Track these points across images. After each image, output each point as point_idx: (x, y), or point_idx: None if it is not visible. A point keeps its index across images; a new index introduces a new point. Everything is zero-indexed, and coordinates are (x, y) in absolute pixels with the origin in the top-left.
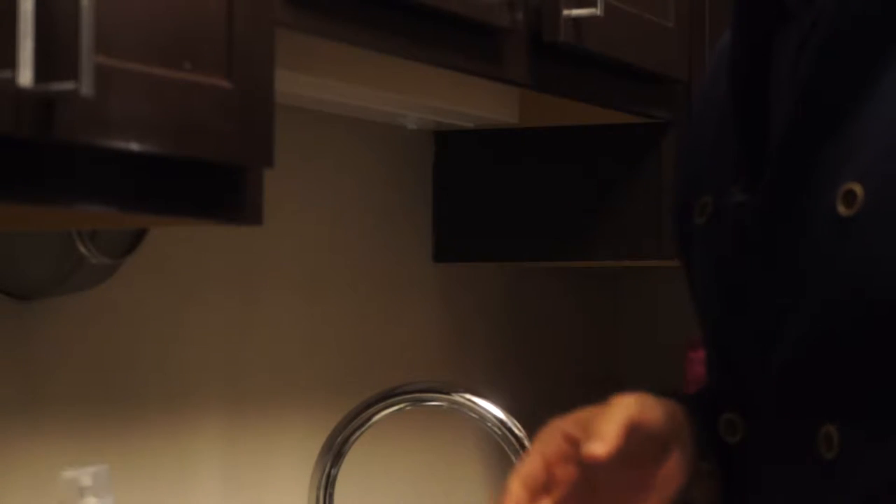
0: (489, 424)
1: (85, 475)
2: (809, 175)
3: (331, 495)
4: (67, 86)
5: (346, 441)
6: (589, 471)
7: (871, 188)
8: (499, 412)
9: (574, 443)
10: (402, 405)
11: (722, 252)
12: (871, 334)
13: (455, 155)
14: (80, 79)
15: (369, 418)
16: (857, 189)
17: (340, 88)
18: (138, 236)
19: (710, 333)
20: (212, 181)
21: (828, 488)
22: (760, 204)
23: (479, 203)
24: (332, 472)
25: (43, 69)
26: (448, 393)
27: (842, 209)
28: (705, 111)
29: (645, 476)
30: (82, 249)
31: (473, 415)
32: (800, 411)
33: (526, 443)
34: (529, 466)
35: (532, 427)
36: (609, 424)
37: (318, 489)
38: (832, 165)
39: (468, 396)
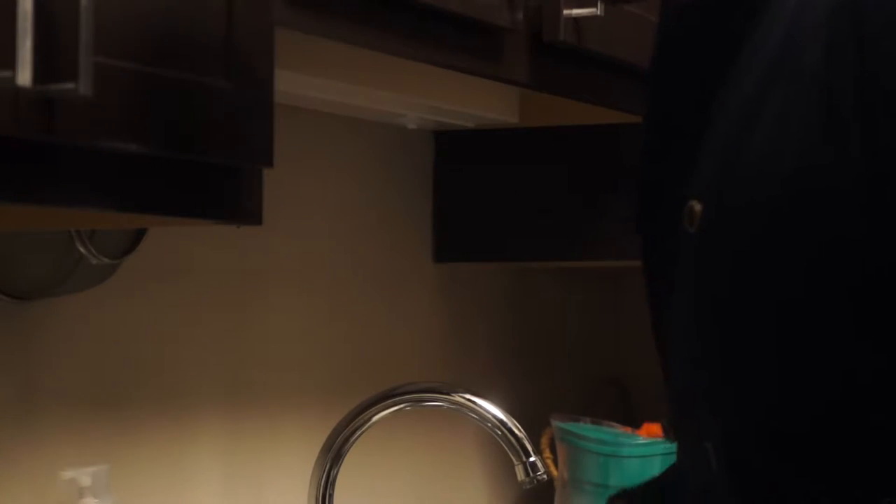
0: (489, 424)
1: (84, 475)
2: (664, 193)
3: (331, 495)
4: (67, 86)
5: (346, 441)
6: None
7: (709, 205)
8: (499, 412)
9: None
10: (402, 405)
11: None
12: (730, 357)
13: (455, 155)
14: (79, 79)
15: (369, 418)
16: (697, 206)
17: (340, 88)
18: (138, 236)
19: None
20: (212, 181)
21: None
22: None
23: (479, 203)
24: (332, 472)
25: (42, 69)
26: (448, 393)
27: (686, 226)
28: None
29: None
30: (82, 249)
31: (473, 415)
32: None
33: (526, 443)
34: None
35: (532, 427)
36: None
37: (318, 489)
38: (680, 182)
39: (468, 396)
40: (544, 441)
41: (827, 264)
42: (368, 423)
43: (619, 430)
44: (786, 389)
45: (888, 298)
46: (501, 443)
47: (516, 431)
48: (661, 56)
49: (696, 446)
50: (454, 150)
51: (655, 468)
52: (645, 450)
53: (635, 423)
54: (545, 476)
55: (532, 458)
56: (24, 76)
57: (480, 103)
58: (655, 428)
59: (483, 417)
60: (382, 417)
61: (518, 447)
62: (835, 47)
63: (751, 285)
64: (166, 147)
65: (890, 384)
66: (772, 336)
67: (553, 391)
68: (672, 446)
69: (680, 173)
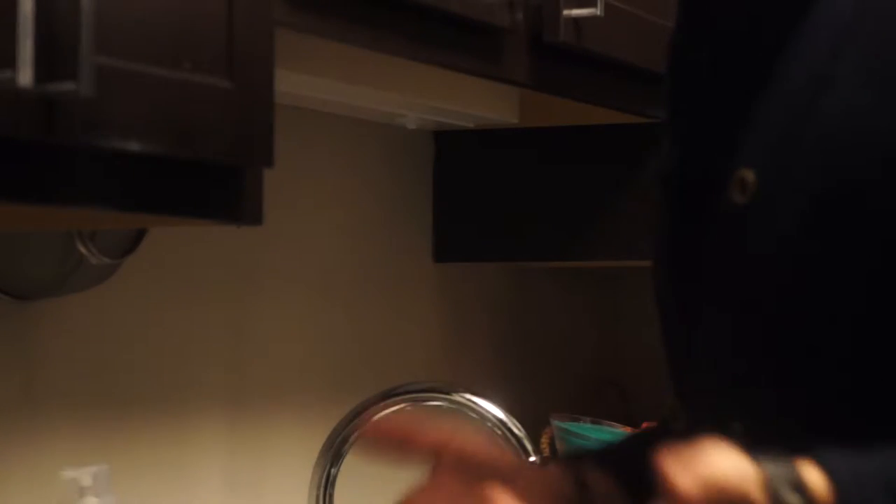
0: (489, 424)
1: (85, 475)
2: (709, 161)
3: (331, 495)
4: (67, 86)
5: (346, 441)
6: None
7: (763, 175)
8: (499, 412)
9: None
10: (402, 405)
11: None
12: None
13: (455, 155)
14: (79, 79)
15: (369, 418)
16: (749, 175)
17: (340, 88)
18: (138, 236)
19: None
20: (212, 181)
21: None
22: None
23: (479, 203)
24: (332, 472)
25: (43, 69)
26: (448, 393)
27: (736, 197)
28: None
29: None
30: (82, 249)
31: (473, 415)
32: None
33: (526, 443)
34: None
35: (532, 427)
36: None
37: (318, 489)
38: (730, 150)
39: (468, 396)
40: (544, 441)
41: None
42: (368, 424)
43: (619, 430)
44: (858, 362)
45: None
46: (501, 443)
47: (516, 431)
48: (715, 22)
49: (720, 426)
50: (454, 150)
51: None
52: None
53: (635, 423)
54: None
55: (532, 458)
56: (25, 76)
57: (480, 103)
58: None
59: (483, 417)
60: (382, 417)
61: (518, 447)
62: None
63: (822, 254)
64: (166, 147)
65: None
66: (851, 304)
67: (553, 391)
68: None
69: (725, 145)
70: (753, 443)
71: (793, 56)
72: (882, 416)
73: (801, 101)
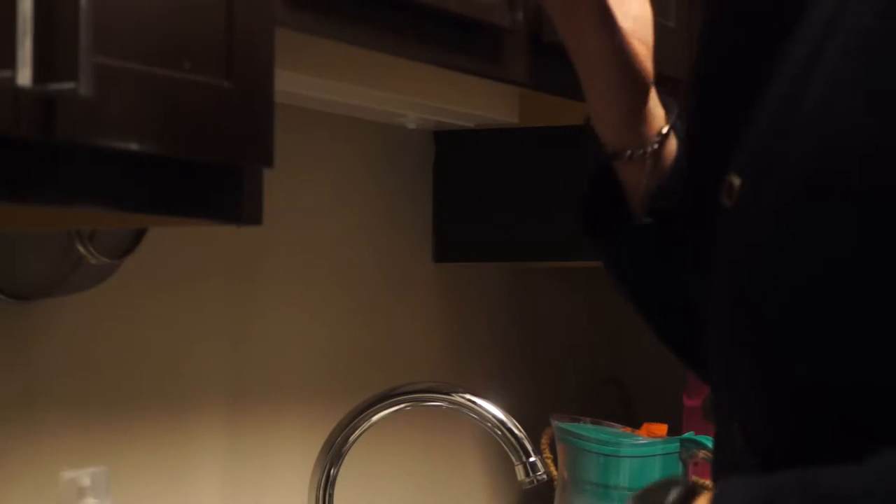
0: (489, 424)
1: (84, 476)
2: (705, 166)
3: (331, 495)
4: (67, 86)
5: (346, 441)
6: None
7: (748, 179)
8: (499, 412)
9: None
10: (402, 405)
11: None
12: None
13: (455, 155)
14: (79, 79)
15: (369, 418)
16: (736, 181)
17: (340, 88)
18: (138, 236)
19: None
20: (212, 181)
21: None
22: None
23: (479, 203)
24: (332, 472)
25: (42, 69)
26: (448, 393)
27: (725, 200)
28: None
29: None
30: (82, 249)
31: (473, 415)
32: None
33: (526, 443)
34: None
35: (532, 427)
36: None
37: (318, 489)
38: (722, 155)
39: (468, 396)
40: (544, 441)
41: (876, 230)
42: (368, 423)
43: (619, 430)
44: (826, 357)
45: None
46: (501, 443)
47: (516, 431)
48: (713, 28)
49: (726, 427)
50: (454, 150)
51: (655, 468)
52: (645, 450)
53: (635, 423)
54: (545, 476)
55: (532, 458)
56: (24, 76)
57: (480, 103)
58: (655, 428)
59: (483, 417)
60: (382, 417)
61: (518, 447)
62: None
63: (790, 255)
64: (166, 147)
65: None
66: (817, 303)
67: (553, 391)
68: (672, 446)
69: (724, 152)
70: (750, 443)
71: (782, 59)
72: (872, 413)
73: (782, 104)
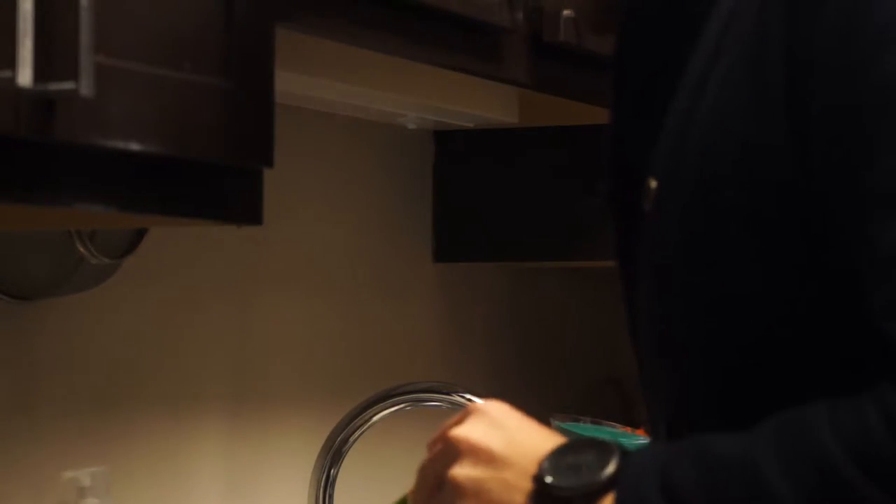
0: None
1: (84, 476)
2: (631, 170)
3: (331, 495)
4: (67, 86)
5: (346, 441)
6: None
7: (661, 182)
8: None
9: None
10: (402, 405)
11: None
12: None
13: (455, 155)
14: (79, 79)
15: (369, 418)
16: (653, 183)
17: (340, 88)
18: (138, 236)
19: None
20: (212, 181)
21: None
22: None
23: (479, 203)
24: (332, 472)
25: (42, 69)
26: (448, 393)
27: (646, 205)
28: None
29: None
30: (82, 249)
31: None
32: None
33: None
34: None
35: None
36: None
37: (318, 489)
38: (644, 159)
39: (468, 396)
40: None
41: (768, 239)
42: (368, 423)
43: (619, 430)
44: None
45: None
46: None
47: None
48: (628, 35)
49: (656, 429)
50: (454, 150)
51: None
52: None
53: (635, 423)
54: None
55: None
56: (24, 76)
57: (480, 103)
58: None
59: None
60: (382, 417)
61: None
62: (767, 12)
63: (692, 257)
64: (166, 147)
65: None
66: (716, 306)
67: (553, 391)
68: None
69: (645, 157)
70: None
71: (690, 68)
72: (788, 401)
73: (685, 110)
